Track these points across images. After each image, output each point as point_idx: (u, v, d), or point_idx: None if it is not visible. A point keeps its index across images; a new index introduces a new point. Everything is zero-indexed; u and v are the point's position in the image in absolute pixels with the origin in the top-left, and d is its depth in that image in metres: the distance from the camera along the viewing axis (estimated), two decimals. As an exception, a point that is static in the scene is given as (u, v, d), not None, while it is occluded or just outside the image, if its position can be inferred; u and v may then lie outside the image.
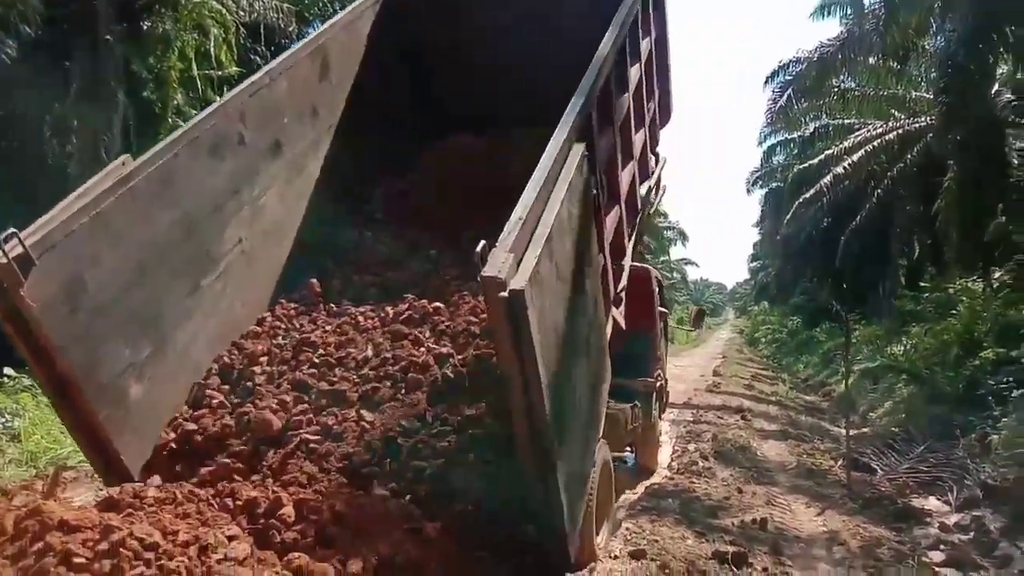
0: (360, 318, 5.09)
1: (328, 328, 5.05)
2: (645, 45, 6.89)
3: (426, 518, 3.74)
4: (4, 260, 3.44)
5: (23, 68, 10.64)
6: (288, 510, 3.45)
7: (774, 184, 37.27)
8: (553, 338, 3.54)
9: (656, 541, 5.50)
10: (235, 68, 13.97)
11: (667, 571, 5.03)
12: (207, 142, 4.86)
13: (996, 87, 17.83)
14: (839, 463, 8.85)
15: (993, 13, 13.43)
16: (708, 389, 17.33)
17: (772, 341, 39.72)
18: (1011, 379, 8.81)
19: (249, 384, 4.58)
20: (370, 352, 4.75)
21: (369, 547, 3.36)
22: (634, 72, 6.37)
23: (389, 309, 5.13)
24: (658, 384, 9.15)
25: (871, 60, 21.69)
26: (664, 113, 8.11)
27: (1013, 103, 16.88)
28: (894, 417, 11.58)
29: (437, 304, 5.05)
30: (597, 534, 5.26)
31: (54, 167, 11.01)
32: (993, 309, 10.31)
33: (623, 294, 7.08)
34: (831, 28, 20.95)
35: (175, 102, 13.06)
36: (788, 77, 21.01)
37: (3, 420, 8.11)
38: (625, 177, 6.23)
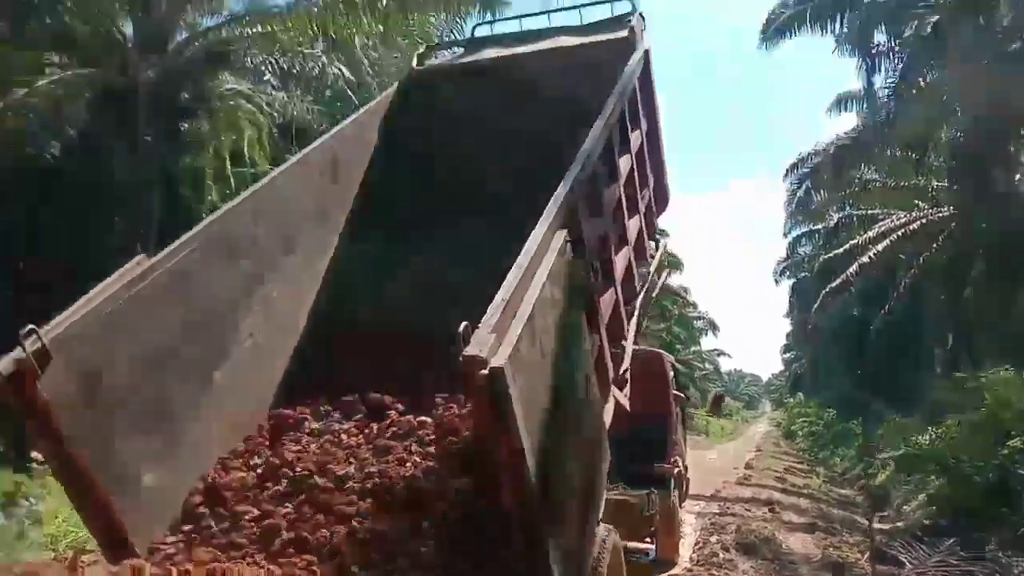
0: (343, 436, 5.02)
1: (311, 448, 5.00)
2: (636, 137, 7.11)
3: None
4: (23, 355, 3.60)
5: (68, 167, 11.27)
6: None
7: (802, 275, 37.42)
8: (538, 415, 3.59)
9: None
10: (267, 166, 14.58)
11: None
12: (220, 241, 5.09)
13: (1019, 176, 18.02)
14: (865, 556, 8.54)
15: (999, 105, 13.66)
16: (738, 481, 16.92)
17: (808, 434, 38.73)
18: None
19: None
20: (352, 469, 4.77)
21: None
22: (624, 162, 6.58)
23: (374, 426, 5.10)
24: (676, 470, 9.02)
25: (889, 152, 22.12)
26: (660, 200, 8.30)
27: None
28: (927, 510, 11.19)
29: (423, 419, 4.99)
30: None
31: (95, 262, 11.49)
32: (1020, 396, 10.05)
33: (627, 376, 7.14)
34: (848, 121, 21.23)
35: (210, 198, 13.63)
36: (806, 170, 21.38)
37: (28, 504, 8.23)
38: (620, 261, 6.38)
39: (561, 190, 4.69)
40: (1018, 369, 12.17)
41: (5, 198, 12.15)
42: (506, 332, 3.41)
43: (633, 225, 6.97)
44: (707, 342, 62.82)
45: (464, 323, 3.31)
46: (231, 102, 14.08)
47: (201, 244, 4.88)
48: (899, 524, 11.93)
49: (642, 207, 7.41)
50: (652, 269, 9.57)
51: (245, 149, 14.46)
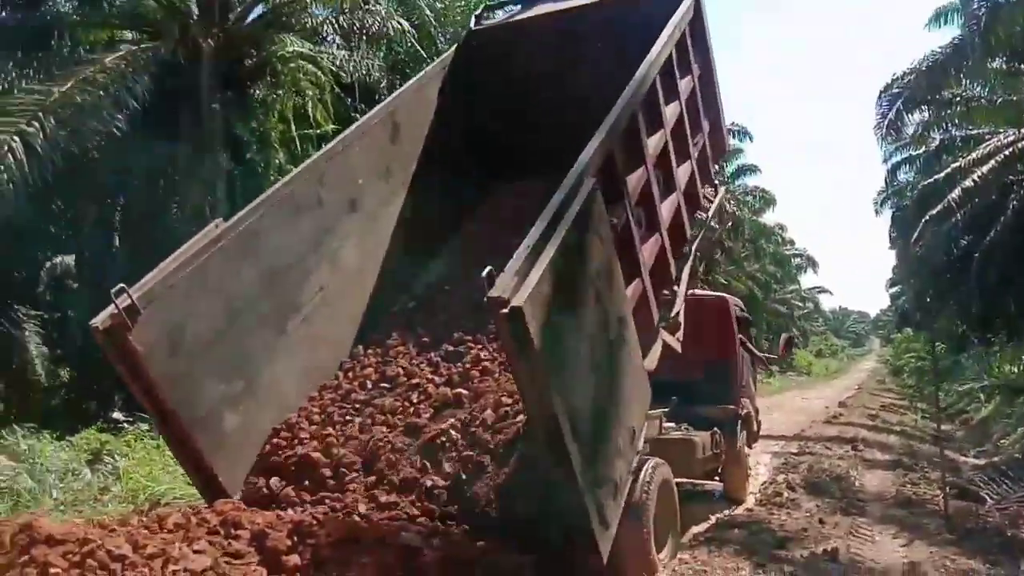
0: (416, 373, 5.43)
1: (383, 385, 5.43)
2: (685, 83, 7.08)
3: (427, 543, 3.81)
4: (116, 311, 4.13)
5: (136, 139, 11.75)
6: (282, 536, 3.59)
7: (903, 203, 35.41)
8: (563, 350, 3.83)
9: (704, 572, 5.26)
10: (332, 126, 14.79)
11: (708, 602, 4.80)
12: (288, 203, 5.53)
13: None
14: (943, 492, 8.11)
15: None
16: (826, 420, 16.40)
17: (915, 370, 37.10)
18: None
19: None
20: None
21: (359, 572, 3.46)
22: (671, 110, 6.59)
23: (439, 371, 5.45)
24: (743, 412, 9.05)
25: (996, 64, 20.45)
26: (717, 146, 8.34)
27: None
28: (1022, 443, 10.54)
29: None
30: (659, 551, 5.47)
31: (167, 228, 12.04)
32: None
33: (679, 320, 7.09)
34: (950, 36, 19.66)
35: (276, 161, 13.97)
36: (897, 90, 19.98)
37: (112, 461, 8.83)
38: (666, 209, 6.40)
39: (595, 140, 4.87)
40: None
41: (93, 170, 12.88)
42: (527, 276, 3.65)
43: (683, 172, 7.03)
44: (806, 280, 60.91)
45: (488, 268, 3.63)
46: (293, 64, 14.27)
47: (270, 207, 5.38)
48: (995, 459, 11.32)
49: (694, 153, 7.41)
50: (710, 215, 9.50)
51: (309, 110, 14.71)
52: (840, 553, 6.08)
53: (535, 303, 3.51)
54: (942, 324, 32.50)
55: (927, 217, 24.95)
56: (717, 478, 8.86)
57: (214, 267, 4.77)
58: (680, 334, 7.10)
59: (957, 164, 23.12)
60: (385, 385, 5.31)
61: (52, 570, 2.90)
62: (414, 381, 5.27)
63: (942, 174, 24.10)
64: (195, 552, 3.19)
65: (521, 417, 4.51)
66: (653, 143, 6.09)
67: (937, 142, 25.38)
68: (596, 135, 4.87)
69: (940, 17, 21.11)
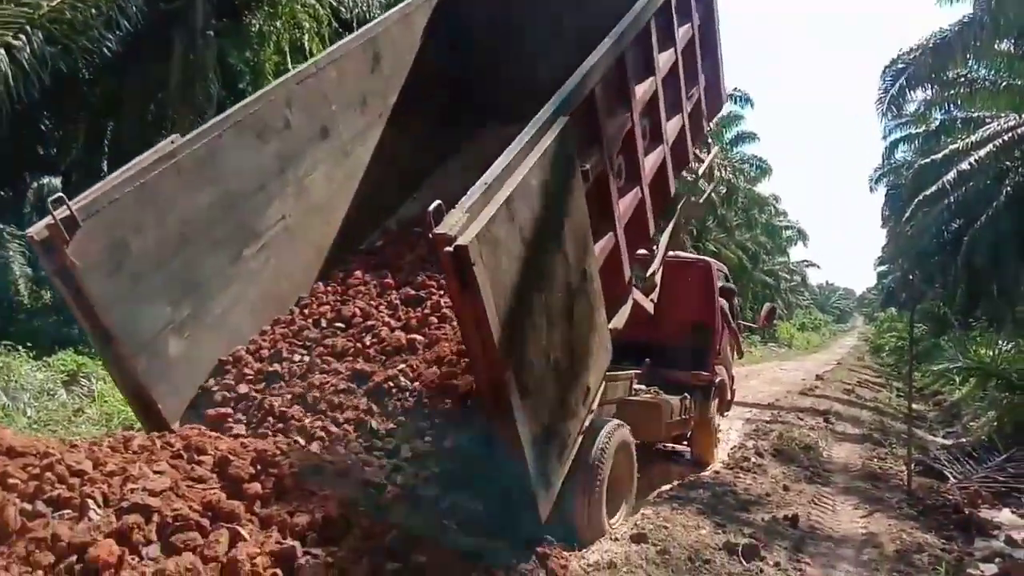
0: (372, 315, 5.27)
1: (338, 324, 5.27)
2: (683, 31, 6.80)
3: (390, 480, 3.83)
4: (52, 222, 3.90)
5: (126, 61, 11.49)
6: (245, 463, 3.60)
7: (899, 182, 35.27)
8: (513, 296, 3.62)
9: (665, 528, 5.34)
10: (328, 61, 14.52)
11: (666, 556, 4.88)
12: (252, 125, 5.24)
13: None
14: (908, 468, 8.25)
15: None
16: (801, 392, 16.57)
17: (895, 349, 37.41)
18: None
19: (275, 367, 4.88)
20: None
21: (320, 503, 3.48)
22: (664, 57, 6.32)
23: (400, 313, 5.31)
24: (717, 379, 9.03)
25: (1003, 46, 20.21)
26: (712, 103, 8.00)
27: None
28: (991, 427, 10.70)
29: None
30: (612, 515, 5.40)
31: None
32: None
33: (656, 280, 7.01)
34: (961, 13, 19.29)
35: (269, 93, 13.71)
36: (902, 65, 19.75)
37: (88, 383, 8.83)
38: (650, 161, 6.16)
39: (575, 77, 4.58)
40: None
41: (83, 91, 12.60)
42: (479, 214, 3.43)
43: (673, 125, 6.73)
44: (796, 253, 60.83)
45: (436, 202, 3.41)
46: (290, -8, 13.95)
47: (232, 126, 5.07)
48: (963, 440, 11.49)
49: (687, 107, 7.08)
50: (699, 174, 9.31)
51: (306, 43, 14.43)
52: (800, 520, 6.19)
53: (484, 243, 3.31)
54: (926, 306, 32.75)
55: (921, 197, 24.93)
56: (686, 443, 8.94)
57: (166, 184, 4.55)
58: (655, 295, 7.12)
59: (955, 146, 23.00)
60: (340, 325, 5.15)
61: (10, 480, 2.90)
62: (369, 323, 5.10)
63: (940, 155, 24.01)
64: (155, 472, 3.19)
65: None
66: (642, 89, 5.83)
67: (938, 122, 25.19)
68: (577, 72, 4.60)
69: (952, -8, 20.79)
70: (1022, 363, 10.06)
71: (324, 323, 5.18)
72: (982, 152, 20.90)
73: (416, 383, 4.48)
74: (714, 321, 9.04)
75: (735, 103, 33.85)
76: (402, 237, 6.26)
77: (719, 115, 8.85)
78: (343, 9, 15.54)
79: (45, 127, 14.54)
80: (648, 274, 7.02)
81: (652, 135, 6.19)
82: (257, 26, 13.87)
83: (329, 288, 5.58)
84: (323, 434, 4.21)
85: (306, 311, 5.37)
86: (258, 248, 5.22)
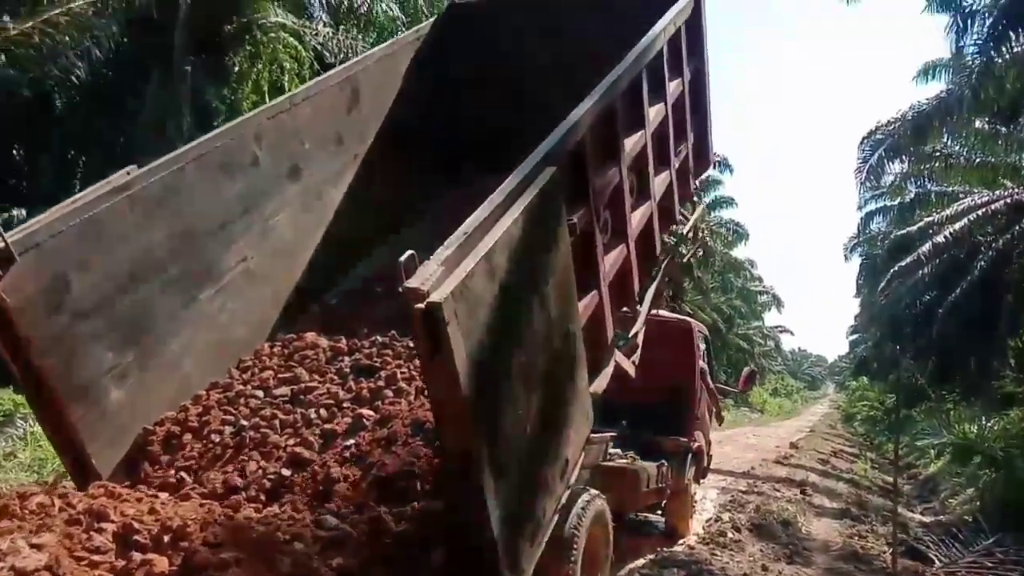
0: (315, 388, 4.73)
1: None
2: (674, 86, 6.64)
3: (323, 556, 3.32)
4: None
5: (98, 93, 11.16)
6: (152, 532, 3.10)
7: (873, 252, 35.70)
8: (489, 360, 3.22)
9: (636, 614, 4.85)
10: (306, 102, 14.33)
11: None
12: (217, 160, 4.89)
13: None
14: (890, 550, 7.85)
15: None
16: (776, 460, 16.18)
17: (867, 418, 37.35)
18: (1102, 470, 7.66)
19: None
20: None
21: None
22: (655, 111, 6.13)
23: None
24: (694, 445, 8.66)
25: (977, 124, 20.60)
26: (700, 160, 7.80)
27: None
28: (972, 505, 10.36)
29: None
30: None
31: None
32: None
33: (638, 341, 6.67)
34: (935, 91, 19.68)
35: (247, 131, 13.46)
36: (880, 136, 20.02)
37: (24, 425, 8.23)
38: (636, 218, 5.89)
39: (563, 125, 4.28)
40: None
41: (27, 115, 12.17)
42: (456, 267, 3.04)
43: (660, 181, 6.49)
44: (770, 318, 61.36)
45: (409, 252, 2.98)
46: (273, 34, 13.78)
47: (195, 159, 4.68)
48: (942, 518, 11.14)
49: (675, 163, 6.85)
50: (685, 232, 9.05)
51: (286, 84, 14.24)
52: (781, 606, 5.74)
53: (460, 300, 2.92)
54: (898, 376, 32.82)
55: (896, 268, 25.11)
56: (660, 511, 8.51)
57: (117, 218, 4.16)
58: (636, 357, 6.73)
59: (931, 218, 23.26)
60: (282, 394, 4.62)
61: None
62: (314, 395, 4.58)
63: (915, 227, 24.25)
64: (32, 546, 2.69)
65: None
66: (631, 143, 5.59)
67: (913, 194, 25.54)
68: (566, 120, 4.32)
69: (928, 72, 21.20)
70: (1006, 441, 9.75)
71: (261, 394, 4.64)
72: (956, 226, 21.08)
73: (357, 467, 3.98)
74: (694, 383, 8.75)
75: (714, 168, 34.16)
76: (361, 296, 5.83)
77: (706, 173, 8.65)
78: (327, 53, 15.44)
79: (17, 156, 14.10)
80: (631, 335, 6.69)
81: (639, 191, 5.96)
82: (236, 64, 13.59)
83: (275, 350, 5.10)
84: (253, 511, 3.70)
85: (246, 375, 4.87)
86: (215, 291, 4.82)
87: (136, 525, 3.06)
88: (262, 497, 3.88)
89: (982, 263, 21.77)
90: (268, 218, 5.24)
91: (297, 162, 5.52)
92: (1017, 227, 19.75)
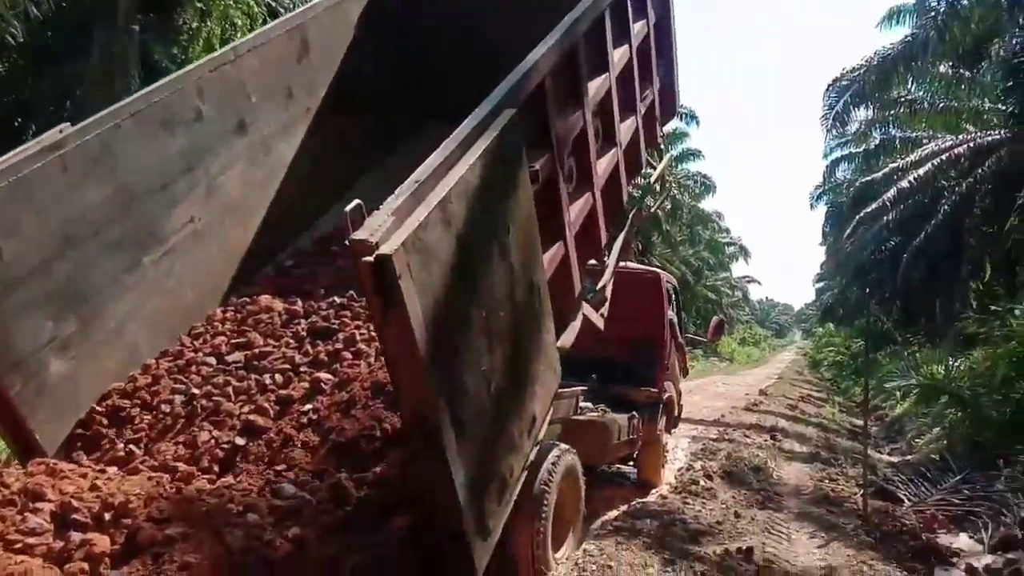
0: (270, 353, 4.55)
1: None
2: (639, 27, 6.41)
3: (278, 527, 3.15)
4: None
5: (41, 57, 10.60)
6: (93, 510, 2.90)
7: (839, 200, 35.92)
8: (448, 318, 3.04)
9: (609, 567, 4.81)
10: (260, 59, 13.82)
11: (610, 603, 4.33)
12: (157, 115, 4.60)
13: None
14: (860, 492, 7.91)
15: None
16: (746, 407, 16.32)
17: (833, 363, 37.98)
18: (1065, 405, 7.75)
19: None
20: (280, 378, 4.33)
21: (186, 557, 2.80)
22: (619, 53, 5.91)
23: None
24: (665, 396, 8.62)
25: (941, 68, 20.60)
26: (667, 107, 7.62)
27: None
28: (939, 444, 10.50)
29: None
30: (558, 548, 4.90)
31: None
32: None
33: (606, 294, 6.54)
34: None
35: (197, 90, 12.96)
36: (846, 82, 19.93)
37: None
38: (602, 165, 5.69)
39: (522, 67, 4.03)
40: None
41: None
42: (408, 217, 2.81)
43: (626, 127, 6.26)
44: (737, 269, 61.90)
45: (355, 202, 2.80)
46: (224, -13, 13.18)
47: (133, 115, 4.38)
48: (909, 457, 11.31)
49: (641, 108, 6.64)
50: (652, 181, 8.88)
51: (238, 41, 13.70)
52: (755, 552, 5.71)
53: (413, 252, 2.71)
54: (863, 322, 33.33)
55: (861, 215, 25.28)
56: (632, 463, 8.49)
57: (49, 179, 3.92)
58: (605, 309, 6.63)
59: (895, 164, 23.38)
60: (236, 360, 4.44)
61: None
62: (270, 360, 4.41)
63: (880, 173, 24.38)
64: (-44, 529, 2.50)
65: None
66: (595, 87, 5.36)
67: (877, 141, 25.63)
68: (524, 61, 4.08)
69: (893, 16, 21.11)
70: (972, 380, 9.85)
71: (214, 360, 4.46)
72: (920, 171, 21.21)
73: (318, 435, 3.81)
74: (663, 335, 8.65)
75: (681, 120, 33.95)
76: (316, 256, 5.60)
77: (673, 120, 8.49)
78: (282, 10, 14.88)
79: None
80: (599, 287, 6.55)
81: (605, 137, 5.78)
82: (186, 23, 13.00)
83: (227, 315, 4.89)
84: (205, 483, 3.52)
85: (198, 342, 4.67)
86: (161, 254, 4.58)
87: (75, 503, 2.86)
88: (215, 468, 3.72)
89: (945, 207, 21.99)
90: (215, 176, 5.01)
91: (243, 116, 5.25)
92: (979, 171, 19.89)
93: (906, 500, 7.85)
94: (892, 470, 10.00)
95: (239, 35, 13.71)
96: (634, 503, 7.18)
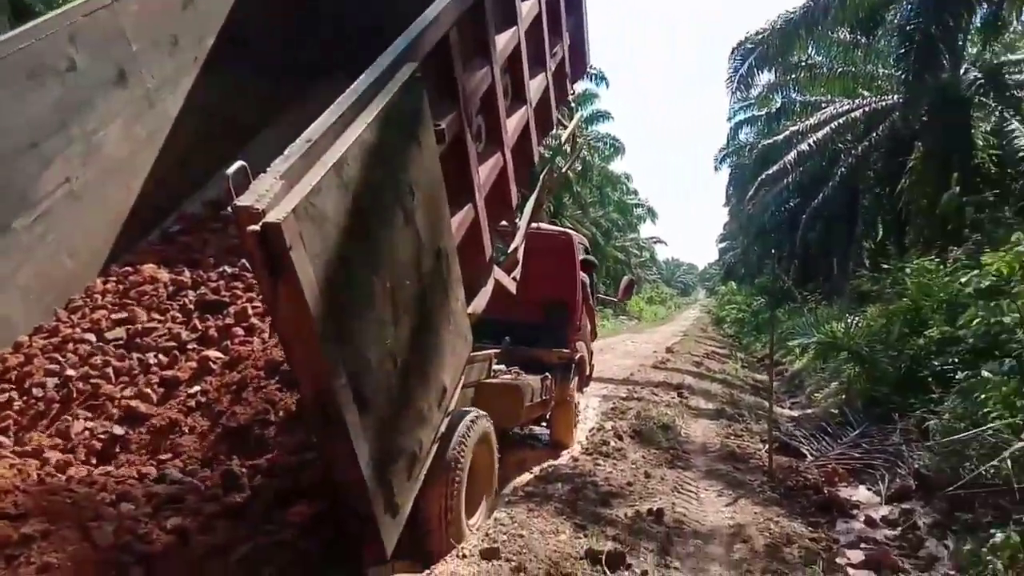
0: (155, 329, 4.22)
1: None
2: None
3: (156, 517, 2.84)
4: None
5: None
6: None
7: (742, 162, 36.82)
8: (346, 289, 2.81)
9: (520, 536, 4.65)
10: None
11: (522, 573, 4.19)
12: (22, 65, 4.15)
13: (965, 66, 17.27)
14: (765, 448, 8.08)
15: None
16: (654, 365, 16.58)
17: (735, 320, 39.26)
18: (955, 359, 8.05)
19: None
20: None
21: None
22: (527, 6, 5.71)
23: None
24: (577, 356, 8.64)
25: (841, 35, 21.13)
26: (577, 64, 7.47)
27: (980, 82, 16.28)
28: (837, 399, 10.87)
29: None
30: (471, 514, 4.85)
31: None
32: (943, 285, 9.54)
33: (517, 257, 6.46)
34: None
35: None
36: (750, 46, 20.21)
37: None
38: (512, 124, 5.53)
39: (424, 17, 3.76)
40: (942, 256, 11.78)
41: None
42: (300, 180, 2.54)
43: (536, 84, 6.08)
44: (645, 229, 63.02)
45: (238, 164, 2.57)
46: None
47: None
48: (809, 411, 11.69)
49: (551, 65, 6.45)
50: (563, 140, 8.75)
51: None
52: (665, 513, 5.71)
53: (305, 220, 2.48)
54: (763, 280, 34.47)
55: (762, 177, 25.98)
56: (544, 424, 8.51)
57: None
58: (517, 273, 6.52)
59: (796, 128, 24.04)
60: (116, 337, 4.10)
61: None
62: (153, 336, 4.10)
63: (781, 136, 25.03)
64: None
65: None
66: (503, 40, 5.16)
67: (779, 104, 26.26)
68: (427, 11, 3.83)
69: (797, -19, 21.48)
70: (868, 338, 10.19)
71: (93, 337, 4.10)
72: (819, 135, 21.88)
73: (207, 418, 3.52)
74: (575, 296, 8.67)
75: (590, 81, 33.87)
76: (206, 222, 5.21)
77: (583, 79, 8.44)
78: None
79: None
80: (511, 250, 6.47)
81: (515, 94, 5.61)
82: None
83: (108, 286, 4.51)
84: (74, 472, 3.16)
85: (75, 316, 4.28)
86: (32, 219, 4.19)
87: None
88: (93, 460, 3.36)
89: (842, 170, 22.79)
90: (92, 132, 4.58)
91: (123, 66, 4.82)
92: (874, 135, 20.65)
93: (808, 455, 8.06)
94: (793, 424, 10.31)
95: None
96: (546, 466, 7.10)
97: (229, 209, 2.47)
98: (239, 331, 4.05)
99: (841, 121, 21.63)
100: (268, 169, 2.54)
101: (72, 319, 4.27)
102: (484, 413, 5.00)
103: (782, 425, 9.98)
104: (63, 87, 4.38)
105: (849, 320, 11.27)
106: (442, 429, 4.03)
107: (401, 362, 3.26)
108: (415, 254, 3.47)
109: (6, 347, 3.99)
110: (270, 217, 2.35)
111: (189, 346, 4.01)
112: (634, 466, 7.09)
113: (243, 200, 2.40)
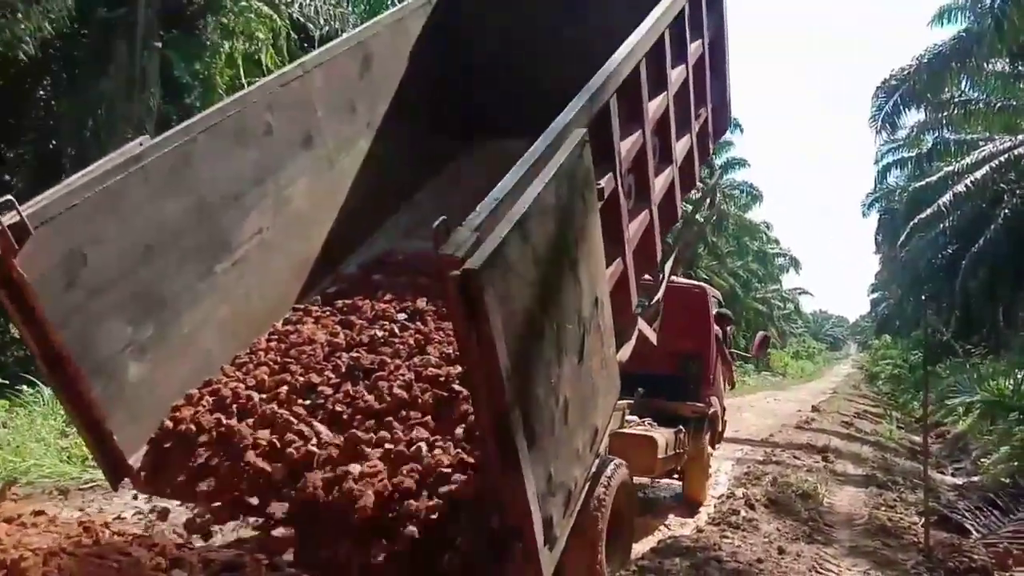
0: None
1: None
2: (695, 47, 6.49)
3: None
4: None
5: (62, 76, 10.57)
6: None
7: (892, 206, 34.81)
8: (524, 329, 3.18)
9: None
10: (285, 73, 13.77)
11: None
12: (229, 129, 4.74)
13: None
14: (921, 521, 7.21)
15: None
16: (797, 425, 15.54)
17: (891, 377, 36.65)
18: None
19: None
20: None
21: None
22: (676, 73, 5.99)
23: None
24: (710, 411, 8.53)
25: (998, 66, 19.78)
26: (719, 124, 7.65)
27: None
28: (1008, 466, 9.67)
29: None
30: (609, 562, 4.82)
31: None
32: None
33: (659, 308, 6.81)
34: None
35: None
36: (895, 83, 19.15)
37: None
38: (660, 182, 5.77)
39: (590, 88, 4.12)
40: None
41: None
42: (490, 233, 2.95)
43: (682, 145, 6.34)
44: (788, 280, 60.63)
45: (442, 218, 2.98)
46: (245, 3, 13.13)
47: (207, 129, 4.51)
48: (975, 479, 10.50)
49: (695, 127, 6.68)
50: (703, 197, 8.93)
51: (262, 57, 13.65)
52: (800, 596, 5.13)
53: (495, 268, 2.86)
54: (920, 334, 32.01)
55: (915, 221, 24.37)
56: (676, 476, 8.37)
57: (131, 190, 4.03)
58: (657, 324, 6.75)
59: (950, 168, 22.51)
60: (278, 394, 4.27)
61: None
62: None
63: (934, 177, 23.50)
64: None
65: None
66: (654, 105, 5.44)
67: (930, 144, 24.79)
68: (593, 80, 4.16)
69: (944, 15, 20.36)
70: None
71: (256, 396, 4.27)
72: (978, 174, 20.41)
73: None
74: (709, 349, 8.64)
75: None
76: (360, 284, 5.49)
77: (724, 136, 8.66)
78: (311, 25, 14.87)
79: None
80: (653, 301, 6.69)
81: (662, 155, 5.88)
82: (208, 39, 12.96)
83: (271, 344, 4.82)
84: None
85: (241, 371, 4.54)
86: (231, 263, 4.69)
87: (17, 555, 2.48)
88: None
89: (1006, 211, 21.04)
90: (283, 188, 5.14)
91: (310, 130, 5.40)
92: (1043, 172, 18.94)
93: (974, 531, 7.15)
94: (956, 494, 9.26)
95: (262, 49, 13.75)
96: (666, 536, 6.62)
97: (436, 253, 2.85)
98: (401, 394, 4.13)
99: (1003, 159, 20.09)
100: (464, 223, 2.94)
101: (239, 373, 4.53)
102: (624, 462, 5.02)
103: (942, 495, 9.01)
104: (260, 149, 4.93)
105: (1019, 376, 10.08)
106: (593, 469, 4.19)
107: (563, 401, 3.51)
108: (578, 302, 3.79)
109: (209, 375, 4.36)
110: (469, 264, 2.73)
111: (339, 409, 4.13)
112: (766, 540, 6.50)
113: (447, 248, 2.82)
